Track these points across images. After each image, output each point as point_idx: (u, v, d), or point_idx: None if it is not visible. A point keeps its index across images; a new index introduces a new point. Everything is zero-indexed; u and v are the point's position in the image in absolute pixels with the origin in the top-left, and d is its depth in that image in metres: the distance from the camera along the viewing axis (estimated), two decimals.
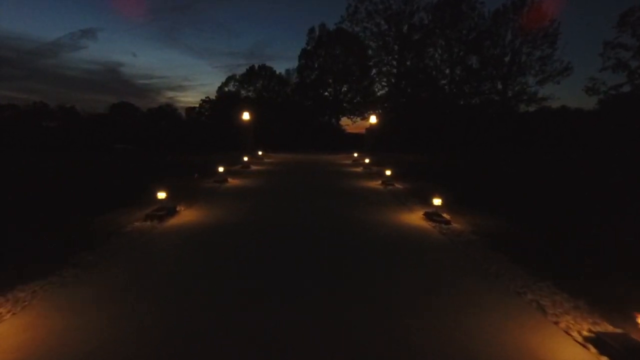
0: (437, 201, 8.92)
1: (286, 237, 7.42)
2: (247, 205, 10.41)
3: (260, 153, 24.73)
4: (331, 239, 7.37)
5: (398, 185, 13.90)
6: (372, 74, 42.50)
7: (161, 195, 8.87)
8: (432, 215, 8.96)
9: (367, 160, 19.89)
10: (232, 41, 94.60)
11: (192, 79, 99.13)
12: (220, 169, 14.07)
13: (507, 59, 43.87)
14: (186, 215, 9.06)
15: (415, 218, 9.18)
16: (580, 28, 68.23)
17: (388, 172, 14.20)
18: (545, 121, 42.46)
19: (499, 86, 44.04)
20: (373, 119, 25.57)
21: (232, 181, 14.57)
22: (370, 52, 39.20)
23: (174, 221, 8.54)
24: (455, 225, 8.43)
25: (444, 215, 9.05)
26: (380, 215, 9.43)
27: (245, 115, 25.32)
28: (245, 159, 18.87)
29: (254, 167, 19.41)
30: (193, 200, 10.70)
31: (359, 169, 19.72)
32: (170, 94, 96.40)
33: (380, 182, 14.62)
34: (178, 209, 9.60)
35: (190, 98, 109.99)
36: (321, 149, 37.95)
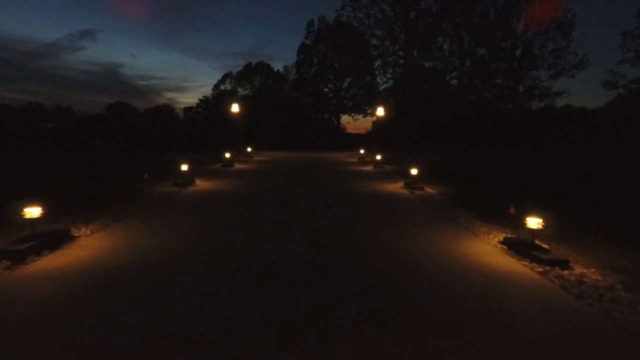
0: (535, 222, 4.69)
1: (275, 307, 3.19)
2: (209, 225, 6.17)
3: (249, 150, 20.47)
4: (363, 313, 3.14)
5: (429, 190, 9.68)
6: (376, 65, 38.26)
7: (31, 211, 4.63)
8: (524, 246, 4.76)
9: (378, 157, 15.67)
10: (232, 42, 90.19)
11: (192, 80, 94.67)
12: (184, 168, 9.85)
13: (518, 52, 39.73)
14: (84, 247, 4.84)
15: (489, 250, 4.96)
16: (593, 19, 62.51)
17: (414, 172, 9.97)
18: (555, 118, 38.44)
19: (510, 81, 39.91)
20: (380, 111, 21.35)
21: (202, 184, 10.35)
22: (374, 40, 34.92)
23: (48, 262, 4.33)
24: (592, 276, 4.18)
25: (543, 245, 4.83)
26: (429, 243, 5.21)
27: (235, 108, 21.10)
28: (227, 155, 14.67)
29: (238, 166, 15.18)
30: (120, 215, 6.47)
31: (369, 168, 15.51)
32: (170, 94, 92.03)
33: (402, 184, 10.42)
34: (77, 232, 5.39)
35: (189, 99, 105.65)
36: (321, 147, 33.75)
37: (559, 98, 39.05)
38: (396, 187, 10.33)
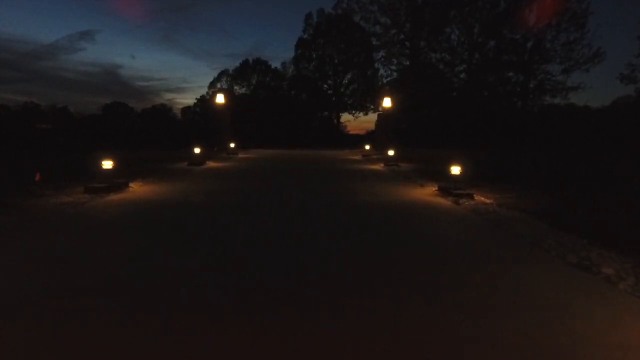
0: None
1: None
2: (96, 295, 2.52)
3: (232, 145, 16.73)
4: None
5: (482, 199, 6.04)
6: (379, 57, 34.62)
7: None
8: None
9: (390, 153, 11.94)
10: (231, 43, 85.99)
11: (191, 81, 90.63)
12: (107, 165, 6.24)
13: (529, 44, 36.12)
14: None
15: None
16: (607, 9, 56.53)
17: (455, 170, 6.31)
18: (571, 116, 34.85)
19: (520, 76, 36.28)
20: (387, 102, 17.71)
21: (138, 189, 6.73)
22: (378, 28, 31.21)
23: None
24: None
25: None
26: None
27: (219, 99, 17.55)
28: (197, 151, 10.98)
29: (211, 165, 11.54)
30: None
31: (379, 167, 11.85)
32: (169, 95, 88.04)
33: (435, 189, 6.82)
34: None
35: (188, 100, 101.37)
36: (320, 146, 30.14)
37: (573, 93, 35.30)
38: (427, 193, 6.69)
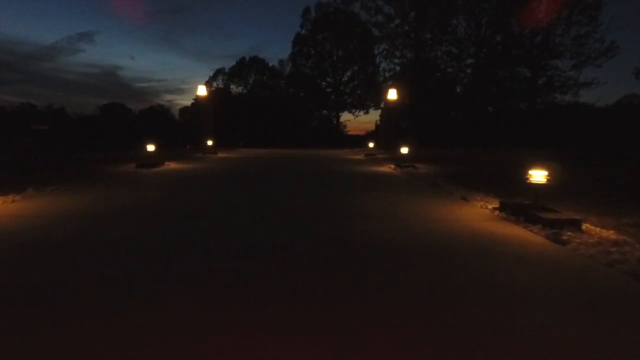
0: None
1: None
2: None
3: (210, 143, 13.82)
4: None
5: (599, 231, 3.24)
6: (381, 50, 31.85)
7: None
8: None
9: (404, 151, 9.02)
10: (230, 44, 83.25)
11: (191, 82, 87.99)
12: None
13: (538, 39, 33.36)
14: None
15: None
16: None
17: (540, 177, 3.55)
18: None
19: (527, 72, 33.53)
20: (392, 94, 14.93)
21: (9, 206, 3.96)
22: (380, 17, 28.37)
23: None
24: None
25: None
26: None
27: (201, 91, 14.80)
28: (152, 148, 8.08)
29: (172, 166, 8.71)
30: None
31: (388, 169, 8.98)
32: (169, 96, 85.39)
33: (491, 208, 4.01)
34: None
35: (188, 101, 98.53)
36: (319, 145, 27.40)
37: (585, 89, 32.34)
38: (482, 215, 3.88)
